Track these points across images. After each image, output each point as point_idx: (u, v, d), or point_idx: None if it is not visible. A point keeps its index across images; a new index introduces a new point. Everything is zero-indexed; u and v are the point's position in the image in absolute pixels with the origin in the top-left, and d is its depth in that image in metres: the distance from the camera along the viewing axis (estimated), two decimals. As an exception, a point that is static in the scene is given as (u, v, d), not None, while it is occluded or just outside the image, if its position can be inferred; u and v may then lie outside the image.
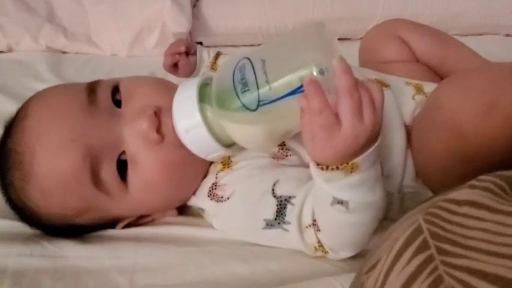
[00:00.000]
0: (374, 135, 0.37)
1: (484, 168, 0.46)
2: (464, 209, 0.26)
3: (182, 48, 0.68)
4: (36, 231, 0.49)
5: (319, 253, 0.45)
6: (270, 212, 0.45)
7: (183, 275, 0.45)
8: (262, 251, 0.47)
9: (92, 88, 0.47)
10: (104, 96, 0.47)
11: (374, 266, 0.28)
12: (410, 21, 0.72)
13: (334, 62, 0.35)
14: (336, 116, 0.35)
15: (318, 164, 0.38)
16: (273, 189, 0.45)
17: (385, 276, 0.25)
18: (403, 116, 0.54)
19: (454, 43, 0.69)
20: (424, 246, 0.25)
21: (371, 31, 0.75)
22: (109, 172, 0.45)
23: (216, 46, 0.94)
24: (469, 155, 0.45)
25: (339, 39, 0.97)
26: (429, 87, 0.56)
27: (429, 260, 0.24)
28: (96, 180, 0.44)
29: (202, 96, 0.44)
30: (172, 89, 0.47)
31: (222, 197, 0.47)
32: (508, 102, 0.41)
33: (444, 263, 0.23)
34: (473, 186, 0.28)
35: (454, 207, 0.27)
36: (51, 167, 0.44)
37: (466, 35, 0.96)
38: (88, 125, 0.45)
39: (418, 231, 0.26)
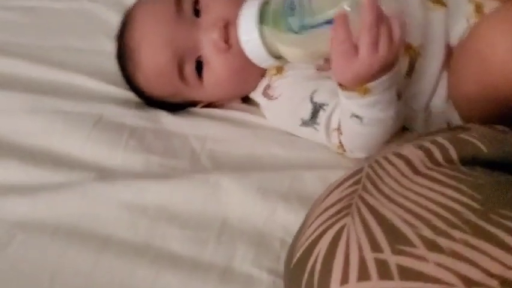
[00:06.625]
0: (388, 66, 0.44)
1: (505, 106, 0.50)
2: (398, 162, 0.34)
3: None
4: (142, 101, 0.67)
5: (340, 151, 0.57)
6: (307, 113, 0.57)
7: (234, 147, 0.60)
8: (299, 140, 0.60)
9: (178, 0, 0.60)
10: (187, 7, 0.60)
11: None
12: None
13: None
14: (356, 46, 0.43)
15: (340, 84, 0.47)
16: (311, 96, 0.57)
17: (328, 190, 0.37)
18: (450, 37, 0.56)
19: None
20: (358, 181, 0.35)
21: None
22: (189, 70, 0.60)
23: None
24: (493, 89, 0.48)
25: None
26: (489, 7, 0.54)
27: (354, 191, 0.33)
28: (181, 74, 0.60)
29: (262, 13, 0.53)
30: (241, 3, 0.56)
31: (272, 96, 0.61)
32: None
33: (359, 196, 0.32)
34: (419, 146, 0.35)
35: (393, 159, 0.35)
36: (153, 62, 0.60)
37: None
38: (176, 31, 0.59)
39: (359, 171, 0.36)
